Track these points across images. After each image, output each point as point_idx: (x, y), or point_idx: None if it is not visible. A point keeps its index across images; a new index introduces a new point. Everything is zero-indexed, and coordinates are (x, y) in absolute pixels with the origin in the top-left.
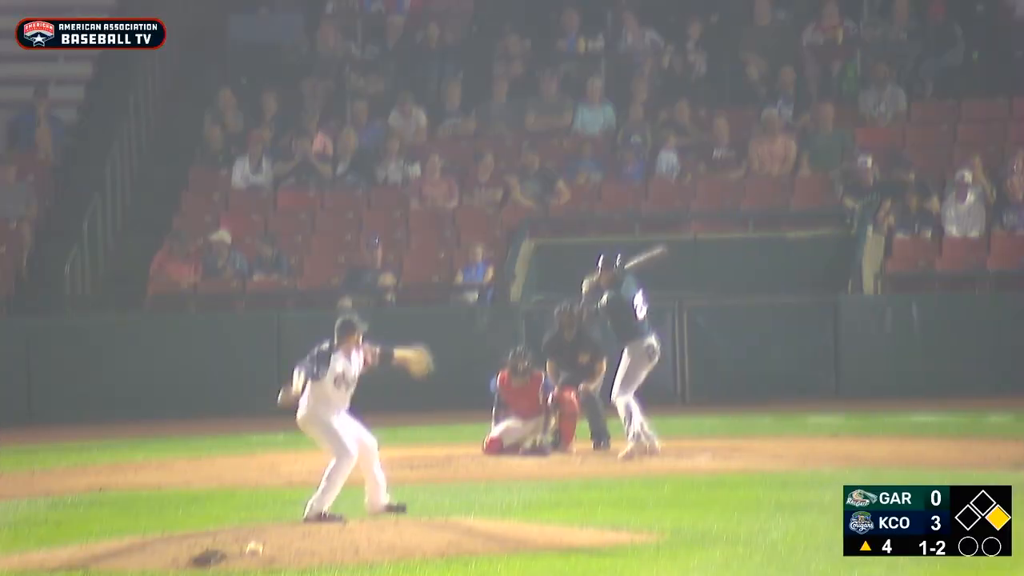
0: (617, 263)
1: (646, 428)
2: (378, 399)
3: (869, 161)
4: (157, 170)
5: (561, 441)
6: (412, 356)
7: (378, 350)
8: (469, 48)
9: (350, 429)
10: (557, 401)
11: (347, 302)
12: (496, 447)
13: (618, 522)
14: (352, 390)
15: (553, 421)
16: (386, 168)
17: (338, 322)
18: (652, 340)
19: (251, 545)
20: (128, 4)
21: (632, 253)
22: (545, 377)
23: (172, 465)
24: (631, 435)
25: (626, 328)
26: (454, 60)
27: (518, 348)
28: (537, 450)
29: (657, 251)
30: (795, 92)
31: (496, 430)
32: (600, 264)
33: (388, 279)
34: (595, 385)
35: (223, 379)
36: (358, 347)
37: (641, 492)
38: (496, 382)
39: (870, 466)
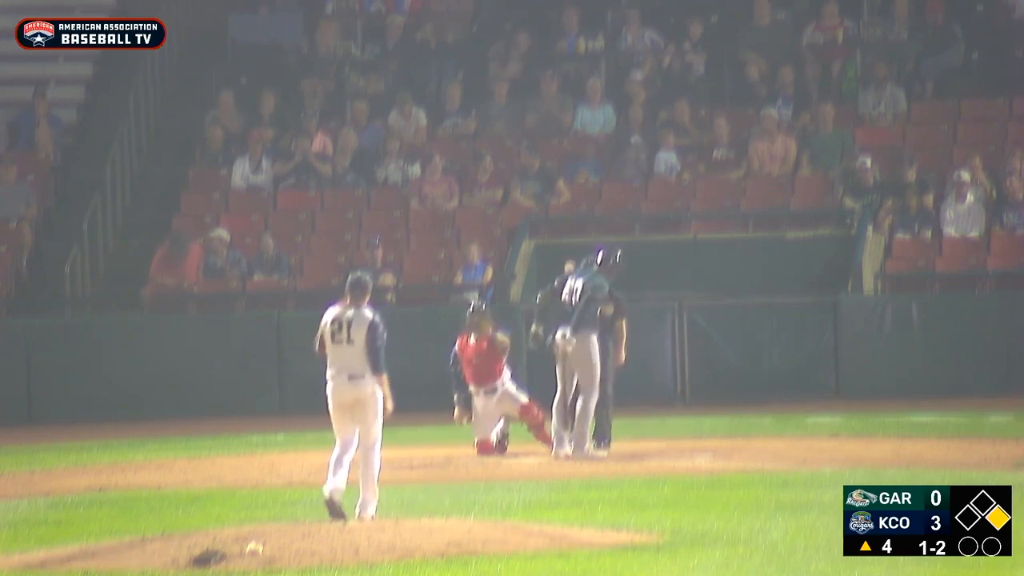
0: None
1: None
2: None
3: (869, 161)
4: (157, 170)
5: (547, 445)
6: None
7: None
8: (469, 48)
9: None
10: (521, 417)
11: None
12: (487, 448)
13: (618, 522)
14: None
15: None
16: (386, 168)
17: (350, 279)
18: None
19: (251, 545)
20: (128, 4)
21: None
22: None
23: (172, 465)
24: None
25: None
26: (454, 60)
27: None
28: (500, 445)
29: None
30: (795, 92)
31: (475, 433)
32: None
33: (388, 279)
34: (621, 359)
35: (223, 379)
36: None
37: (641, 492)
38: (455, 350)
39: (870, 466)
